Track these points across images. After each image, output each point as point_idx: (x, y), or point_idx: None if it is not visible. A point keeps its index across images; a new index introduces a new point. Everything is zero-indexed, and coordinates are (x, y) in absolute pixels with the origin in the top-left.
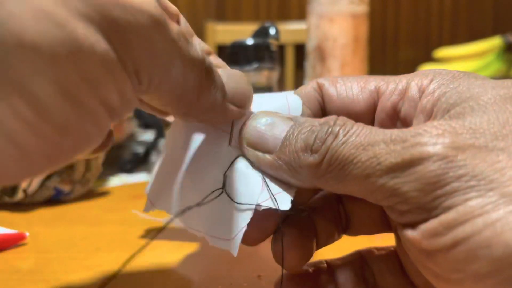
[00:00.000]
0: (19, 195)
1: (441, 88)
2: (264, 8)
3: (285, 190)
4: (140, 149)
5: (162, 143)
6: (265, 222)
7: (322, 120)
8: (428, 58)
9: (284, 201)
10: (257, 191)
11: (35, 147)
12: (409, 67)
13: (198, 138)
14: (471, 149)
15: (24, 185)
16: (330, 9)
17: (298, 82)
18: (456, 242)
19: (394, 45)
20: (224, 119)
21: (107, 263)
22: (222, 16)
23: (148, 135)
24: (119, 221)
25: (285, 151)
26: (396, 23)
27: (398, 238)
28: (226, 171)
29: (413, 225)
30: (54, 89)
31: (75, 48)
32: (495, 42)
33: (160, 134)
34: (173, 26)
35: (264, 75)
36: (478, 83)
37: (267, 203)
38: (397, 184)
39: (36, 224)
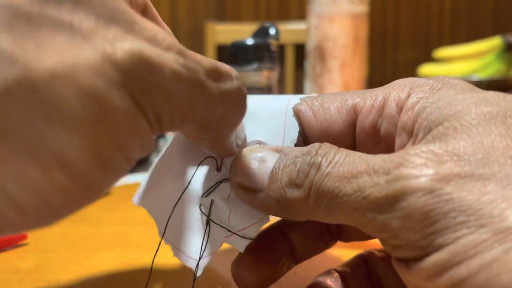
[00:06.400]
0: None
1: (420, 103)
2: (264, 8)
3: (250, 226)
4: None
5: (162, 143)
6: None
7: (306, 150)
8: (428, 58)
9: (242, 244)
10: (225, 224)
11: (64, 203)
12: (409, 67)
13: (189, 156)
14: (456, 180)
15: None
16: (330, 9)
17: (298, 82)
18: (453, 285)
19: (394, 45)
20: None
21: (107, 263)
22: (222, 16)
23: None
24: (119, 221)
25: (273, 187)
26: (396, 23)
27: None
28: (203, 194)
29: (407, 262)
30: (89, 155)
31: (110, 118)
32: (495, 42)
33: (160, 135)
34: (195, 68)
35: (264, 75)
36: (459, 98)
37: (230, 241)
38: (386, 220)
39: None
